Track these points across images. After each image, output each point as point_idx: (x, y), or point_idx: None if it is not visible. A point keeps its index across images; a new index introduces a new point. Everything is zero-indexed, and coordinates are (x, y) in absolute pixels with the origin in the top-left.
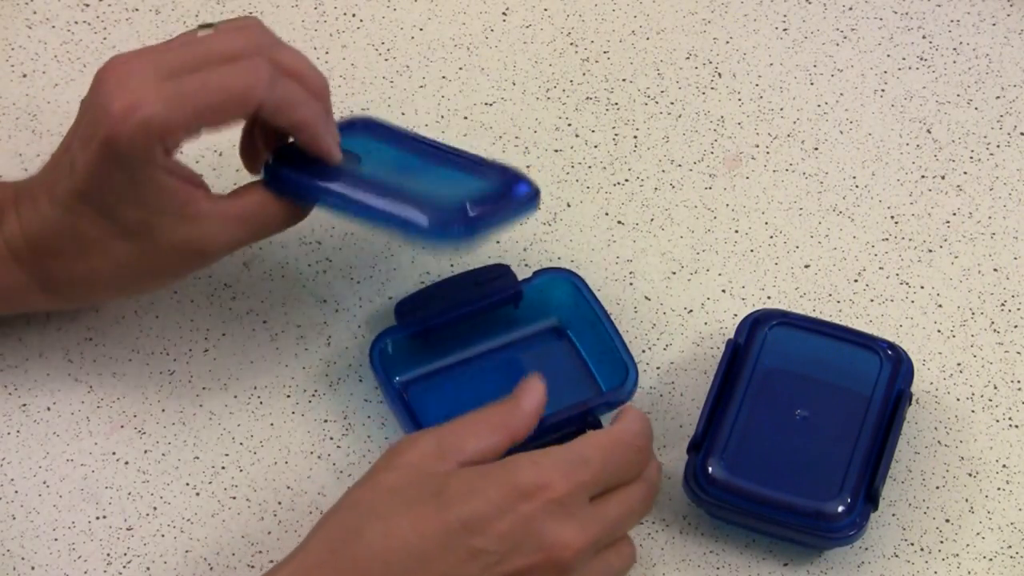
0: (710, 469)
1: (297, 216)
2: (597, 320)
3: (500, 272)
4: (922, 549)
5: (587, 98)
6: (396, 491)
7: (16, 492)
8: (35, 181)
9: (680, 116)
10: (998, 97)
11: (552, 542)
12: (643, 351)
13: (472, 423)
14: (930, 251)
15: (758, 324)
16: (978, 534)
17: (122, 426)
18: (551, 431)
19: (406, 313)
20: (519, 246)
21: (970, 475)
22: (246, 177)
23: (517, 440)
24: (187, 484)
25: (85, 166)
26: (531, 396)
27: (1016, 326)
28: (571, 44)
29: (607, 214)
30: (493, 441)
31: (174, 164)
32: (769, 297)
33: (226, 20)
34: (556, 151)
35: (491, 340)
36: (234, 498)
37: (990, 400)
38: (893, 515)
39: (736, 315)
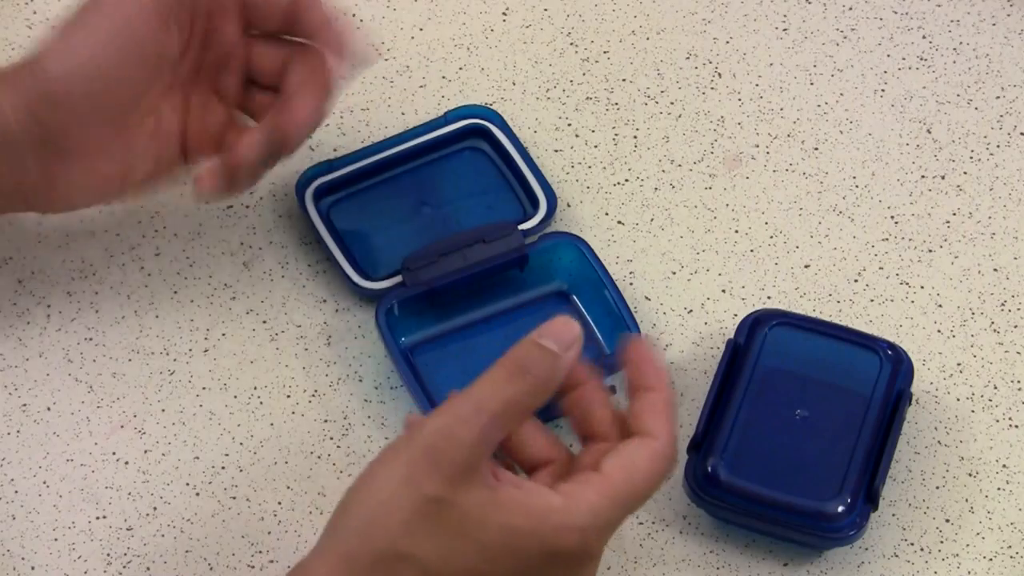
0: (710, 469)
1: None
2: (602, 285)
3: (507, 230)
4: (922, 549)
5: (587, 98)
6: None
7: (16, 492)
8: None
9: (680, 116)
10: (998, 97)
11: None
12: None
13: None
14: (930, 251)
15: (758, 324)
16: (978, 534)
17: (122, 426)
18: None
19: (413, 269)
20: None
21: (970, 475)
22: None
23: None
24: (187, 484)
25: None
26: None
27: (1016, 326)
28: (571, 44)
29: (607, 214)
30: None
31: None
32: (769, 297)
33: None
34: (556, 151)
35: (496, 303)
36: (234, 498)
37: (990, 400)
38: (893, 515)
39: (736, 315)
